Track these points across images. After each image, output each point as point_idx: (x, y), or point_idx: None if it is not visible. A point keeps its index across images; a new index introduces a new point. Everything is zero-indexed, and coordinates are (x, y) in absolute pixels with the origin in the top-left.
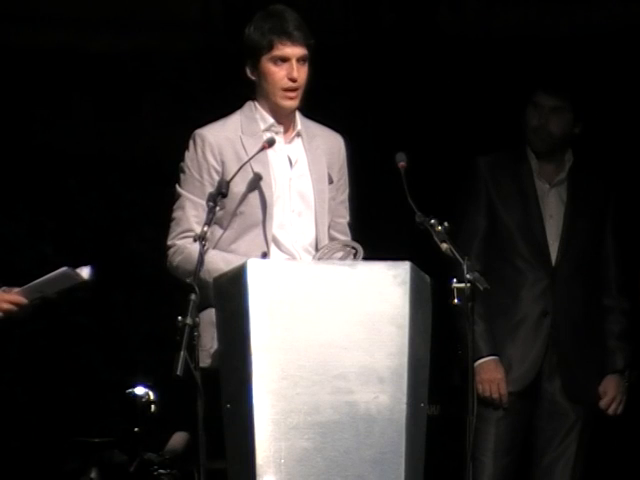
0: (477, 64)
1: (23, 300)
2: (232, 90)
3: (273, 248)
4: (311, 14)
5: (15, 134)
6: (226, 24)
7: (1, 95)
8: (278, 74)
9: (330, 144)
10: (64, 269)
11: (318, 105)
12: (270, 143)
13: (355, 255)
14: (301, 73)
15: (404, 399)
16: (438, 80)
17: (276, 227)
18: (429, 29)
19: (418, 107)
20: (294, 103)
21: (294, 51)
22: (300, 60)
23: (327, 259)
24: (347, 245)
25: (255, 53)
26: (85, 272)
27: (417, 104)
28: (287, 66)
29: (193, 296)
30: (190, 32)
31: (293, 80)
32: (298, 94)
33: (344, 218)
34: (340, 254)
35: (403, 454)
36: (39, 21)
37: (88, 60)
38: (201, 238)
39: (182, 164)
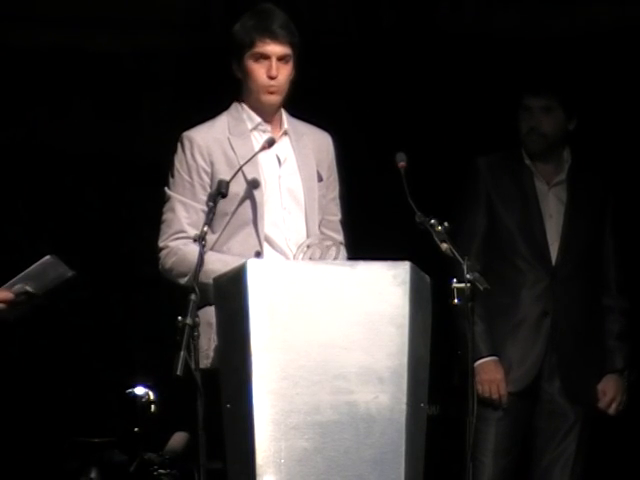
0: (477, 64)
1: (8, 295)
2: (232, 90)
3: (266, 247)
4: (311, 14)
5: (15, 134)
6: (226, 24)
7: (1, 95)
8: (258, 71)
9: (318, 142)
10: (48, 257)
11: (318, 104)
12: (270, 143)
13: (333, 251)
14: (282, 71)
15: (404, 399)
16: (438, 80)
17: (268, 225)
18: (429, 29)
19: (418, 107)
20: (274, 98)
21: (274, 49)
22: (281, 59)
23: (307, 257)
24: (324, 241)
25: (239, 50)
26: (68, 272)
27: (417, 104)
28: (267, 64)
29: (193, 296)
30: (190, 32)
31: (271, 78)
32: (278, 90)
33: (335, 216)
34: (318, 252)
35: (403, 454)
36: (39, 21)
37: (88, 60)
38: (201, 238)
39: (171, 167)
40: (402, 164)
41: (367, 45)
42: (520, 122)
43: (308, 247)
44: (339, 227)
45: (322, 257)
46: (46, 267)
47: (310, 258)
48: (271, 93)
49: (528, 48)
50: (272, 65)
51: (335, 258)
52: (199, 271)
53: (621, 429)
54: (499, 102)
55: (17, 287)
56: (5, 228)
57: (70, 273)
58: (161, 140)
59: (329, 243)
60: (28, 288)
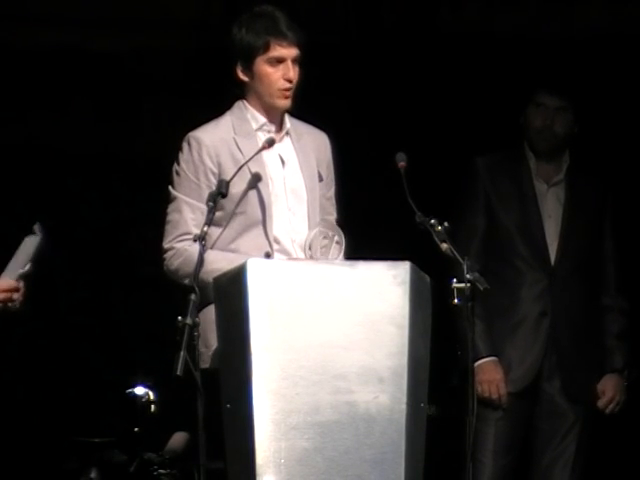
0: (477, 64)
1: (16, 284)
2: (232, 90)
3: (275, 248)
4: (311, 14)
5: (15, 134)
6: (226, 24)
7: (1, 95)
8: (274, 75)
9: (317, 142)
10: (26, 238)
11: (318, 105)
12: (270, 143)
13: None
14: (296, 73)
15: (404, 399)
16: (438, 80)
17: (276, 226)
18: (429, 29)
19: (418, 107)
20: (289, 102)
21: (290, 52)
22: (294, 60)
23: (318, 250)
24: (328, 233)
25: (249, 54)
26: (36, 229)
27: (417, 104)
28: (283, 67)
29: (193, 296)
30: (190, 32)
31: (290, 81)
32: (292, 93)
33: (332, 215)
34: (325, 241)
35: (403, 454)
36: (39, 21)
37: (88, 60)
38: (201, 238)
39: (176, 167)
40: (402, 164)
41: (367, 45)
42: (531, 119)
43: (312, 243)
44: (335, 227)
45: (327, 246)
46: (28, 244)
47: (317, 250)
48: (286, 98)
49: (528, 49)
50: (289, 67)
51: (338, 242)
52: (199, 271)
53: (621, 429)
54: (499, 102)
55: (14, 274)
56: (5, 227)
57: (37, 239)
58: (161, 140)
59: (331, 233)
60: (21, 270)
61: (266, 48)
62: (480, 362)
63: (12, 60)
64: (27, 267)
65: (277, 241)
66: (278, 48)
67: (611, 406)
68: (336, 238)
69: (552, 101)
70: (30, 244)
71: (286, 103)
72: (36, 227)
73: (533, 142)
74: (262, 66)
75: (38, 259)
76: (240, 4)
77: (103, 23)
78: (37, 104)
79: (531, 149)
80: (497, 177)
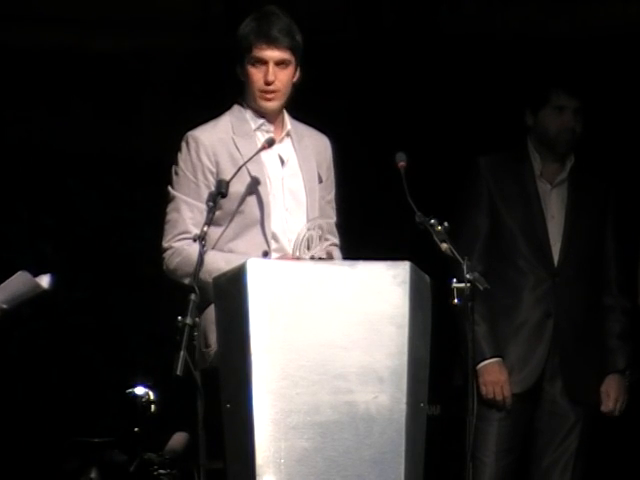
0: (477, 64)
1: None
2: (232, 90)
3: (272, 246)
4: (311, 14)
5: (15, 134)
6: (226, 24)
7: (1, 95)
8: (256, 76)
9: (318, 144)
10: (21, 272)
11: (318, 104)
12: (270, 143)
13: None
14: (280, 76)
15: (404, 399)
16: (438, 80)
17: (273, 225)
18: (429, 29)
19: (418, 107)
20: (272, 104)
21: (272, 54)
22: (279, 64)
23: (305, 246)
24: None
25: (240, 54)
26: (45, 281)
27: (417, 104)
28: (265, 69)
29: (193, 296)
30: (190, 32)
31: (267, 83)
32: (276, 96)
33: (331, 218)
34: (308, 234)
35: (403, 454)
36: (39, 21)
37: (88, 60)
38: (201, 238)
39: (175, 166)
40: (402, 164)
41: (367, 45)
42: (548, 122)
43: (304, 238)
44: (334, 229)
45: (319, 240)
46: (18, 283)
47: (308, 248)
48: (268, 100)
49: (529, 48)
50: (269, 70)
51: (321, 237)
52: (199, 270)
53: (621, 429)
54: (499, 102)
55: None
56: (5, 228)
57: (40, 289)
58: (161, 140)
59: (318, 231)
60: (3, 306)
61: (249, 49)
62: (484, 363)
63: (12, 60)
64: (10, 306)
65: (275, 240)
66: (258, 50)
67: (617, 406)
68: (320, 233)
69: (572, 102)
70: (29, 287)
71: (269, 105)
72: (47, 279)
73: (553, 144)
74: (247, 67)
75: (26, 304)
76: (240, 4)
77: (103, 23)
78: (37, 104)
79: (549, 150)
80: (500, 177)
